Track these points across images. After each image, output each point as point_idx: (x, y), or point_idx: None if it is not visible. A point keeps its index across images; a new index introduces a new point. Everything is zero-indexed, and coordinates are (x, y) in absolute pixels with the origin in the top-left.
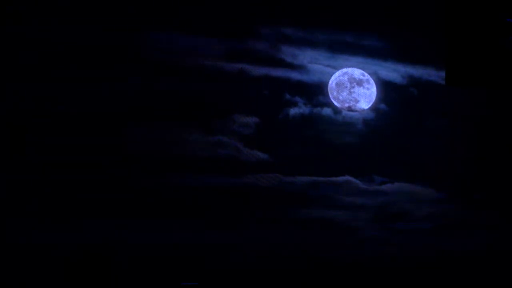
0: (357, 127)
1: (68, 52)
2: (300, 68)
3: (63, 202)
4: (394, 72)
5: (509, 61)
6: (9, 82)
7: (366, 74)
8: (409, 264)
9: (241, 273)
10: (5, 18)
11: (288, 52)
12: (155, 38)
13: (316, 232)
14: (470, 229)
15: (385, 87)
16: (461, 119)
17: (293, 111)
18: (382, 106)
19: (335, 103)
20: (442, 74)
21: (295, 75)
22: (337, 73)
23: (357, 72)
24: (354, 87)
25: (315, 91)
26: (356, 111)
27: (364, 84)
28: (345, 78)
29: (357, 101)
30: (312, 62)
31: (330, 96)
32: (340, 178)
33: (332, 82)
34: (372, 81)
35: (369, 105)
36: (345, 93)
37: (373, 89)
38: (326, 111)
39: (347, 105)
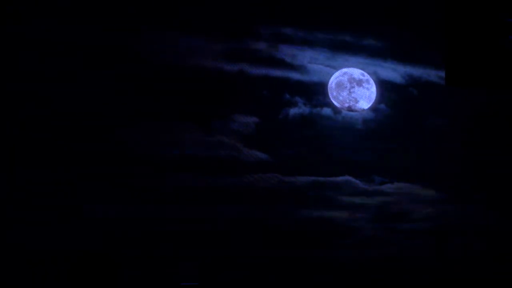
0: (357, 127)
1: (68, 52)
2: (300, 68)
3: (64, 202)
4: (394, 72)
5: (509, 61)
6: (9, 82)
7: (366, 74)
8: (409, 264)
9: (241, 273)
10: (5, 18)
11: (288, 52)
12: (155, 38)
13: (316, 232)
14: (470, 229)
15: (385, 87)
16: (461, 119)
17: (293, 111)
18: (382, 106)
19: (335, 103)
20: (442, 74)
21: (295, 75)
22: (337, 73)
23: (357, 72)
24: (354, 87)
25: (315, 91)
26: (356, 111)
27: (364, 84)
28: (345, 78)
29: (357, 101)
30: (312, 62)
31: (330, 96)
32: (340, 178)
33: (332, 82)
34: (372, 81)
35: (369, 105)
36: (345, 93)
37: (373, 89)
38: (326, 111)
39: (347, 105)
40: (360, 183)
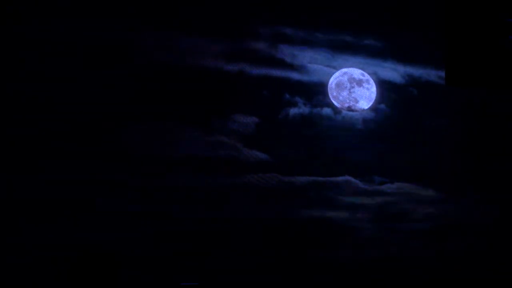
0: (357, 127)
1: (68, 52)
2: (300, 68)
3: (63, 203)
4: (394, 72)
5: (509, 61)
6: (9, 82)
7: (366, 74)
8: (409, 264)
9: (241, 273)
10: (5, 18)
11: (288, 52)
12: (155, 38)
13: (316, 232)
14: (470, 229)
15: (385, 87)
16: (461, 119)
17: (293, 111)
18: (382, 106)
19: (335, 103)
20: (442, 74)
21: (295, 75)
22: (337, 73)
23: (357, 72)
24: (354, 87)
25: (315, 91)
26: (356, 111)
27: (364, 84)
28: (345, 78)
29: (357, 101)
30: (312, 62)
31: (330, 96)
32: (340, 178)
33: (332, 82)
34: (372, 81)
35: (369, 105)
36: (345, 93)
37: (373, 89)
38: (326, 111)
39: (347, 105)
40: (360, 183)
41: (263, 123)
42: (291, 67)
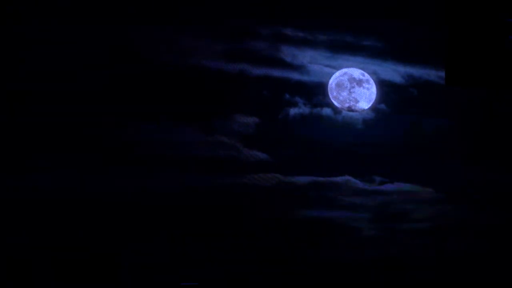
0: (357, 127)
1: (68, 52)
2: (300, 68)
3: (63, 202)
4: (394, 72)
5: (509, 61)
6: (9, 82)
7: (366, 74)
8: (409, 264)
9: (241, 273)
10: (5, 18)
11: (288, 52)
12: (155, 38)
13: (316, 232)
14: (470, 229)
15: (385, 87)
16: (461, 119)
17: (293, 111)
18: (382, 106)
19: (335, 103)
20: (442, 74)
21: (295, 75)
22: (337, 73)
23: (357, 72)
24: (354, 87)
25: (315, 91)
26: (356, 111)
27: (364, 84)
28: (345, 78)
29: (357, 101)
30: (312, 62)
31: (330, 96)
32: (340, 178)
33: (332, 82)
34: (372, 81)
35: (369, 105)
36: (345, 93)
37: (373, 89)
38: (326, 111)
39: (347, 105)
40: (360, 183)
41: (263, 123)
42: (291, 67)
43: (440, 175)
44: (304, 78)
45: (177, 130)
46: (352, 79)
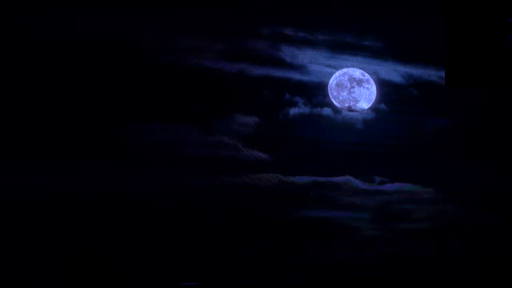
0: (357, 127)
1: (68, 52)
2: (300, 68)
3: (63, 202)
4: (394, 72)
5: (509, 61)
6: (9, 82)
7: (366, 74)
8: (409, 264)
9: (240, 273)
10: (5, 18)
11: (288, 52)
12: (155, 38)
13: (316, 232)
14: (470, 229)
15: (385, 87)
16: (461, 119)
17: (293, 111)
18: (382, 106)
19: (335, 103)
20: (442, 74)
21: (295, 75)
22: (337, 73)
23: (357, 72)
24: (354, 87)
25: (315, 91)
26: (356, 111)
27: (364, 84)
28: (345, 78)
29: (357, 101)
30: (312, 62)
31: (330, 96)
32: (340, 178)
33: (332, 82)
34: (372, 81)
35: (369, 105)
36: (345, 93)
37: (373, 89)
38: (326, 111)
39: (347, 105)
40: (360, 183)
41: (263, 123)
42: (291, 67)
43: (441, 175)
44: (304, 78)
45: (177, 130)
46: (352, 79)
